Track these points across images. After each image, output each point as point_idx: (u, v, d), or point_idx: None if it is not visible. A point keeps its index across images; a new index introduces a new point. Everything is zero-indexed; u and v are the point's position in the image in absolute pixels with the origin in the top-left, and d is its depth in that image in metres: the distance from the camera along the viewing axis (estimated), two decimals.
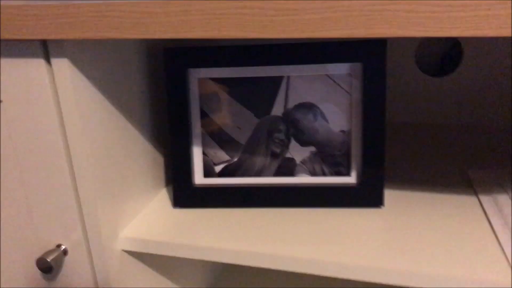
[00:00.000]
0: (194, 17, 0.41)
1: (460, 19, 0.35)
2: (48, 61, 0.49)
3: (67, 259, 0.58)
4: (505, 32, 0.34)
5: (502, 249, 0.51)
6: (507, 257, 0.49)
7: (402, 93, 0.87)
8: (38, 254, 0.58)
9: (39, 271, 0.58)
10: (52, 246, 0.57)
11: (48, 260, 0.55)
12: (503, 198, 0.59)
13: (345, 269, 0.51)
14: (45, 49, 0.48)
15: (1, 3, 0.45)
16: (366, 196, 0.61)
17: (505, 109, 0.83)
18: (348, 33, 0.38)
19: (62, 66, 0.48)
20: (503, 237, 0.52)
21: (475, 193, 0.62)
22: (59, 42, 0.47)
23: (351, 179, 0.62)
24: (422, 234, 0.54)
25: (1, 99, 0.52)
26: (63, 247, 0.57)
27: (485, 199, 0.60)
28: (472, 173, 0.66)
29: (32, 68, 0.49)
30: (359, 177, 0.61)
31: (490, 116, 0.84)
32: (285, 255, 0.53)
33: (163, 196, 0.67)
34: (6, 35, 0.46)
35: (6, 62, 0.49)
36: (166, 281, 0.71)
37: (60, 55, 0.47)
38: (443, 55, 0.82)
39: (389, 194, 0.64)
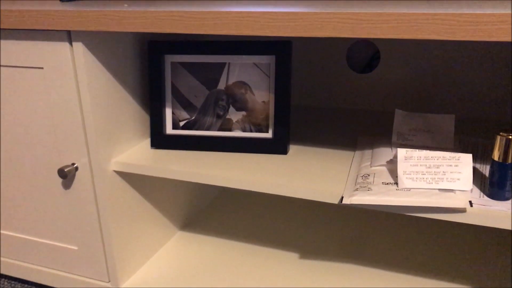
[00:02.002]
0: (149, 20, 0.71)
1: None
2: (70, 44, 0.81)
3: (78, 173, 0.90)
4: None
5: (347, 178, 0.78)
6: (346, 184, 0.77)
7: (330, 83, 1.14)
8: (59, 166, 0.90)
9: (58, 177, 0.91)
10: (69, 163, 0.89)
11: (65, 171, 0.87)
12: (367, 153, 0.86)
13: (255, 183, 0.80)
14: (69, 36, 0.80)
15: (45, 11, 0.77)
16: (277, 146, 0.89)
17: (399, 98, 1.09)
18: (232, 33, 0.67)
19: (79, 47, 0.80)
20: (351, 173, 0.80)
21: (354, 149, 0.90)
22: (77, 32, 0.79)
23: (268, 135, 0.90)
24: (303, 167, 0.83)
25: (43, 67, 0.84)
26: (75, 165, 0.89)
27: (358, 153, 0.87)
28: (359, 138, 0.94)
29: (62, 47, 0.81)
30: (273, 133, 0.90)
31: (389, 103, 1.10)
32: (221, 175, 0.82)
33: (146, 142, 0.98)
34: (47, 27, 0.78)
35: (48, 44, 0.82)
36: (144, 201, 1.02)
37: (77, 40, 0.79)
38: (368, 59, 1.09)
39: (293, 148, 0.92)
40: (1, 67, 0.87)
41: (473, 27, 0.54)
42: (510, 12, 0.53)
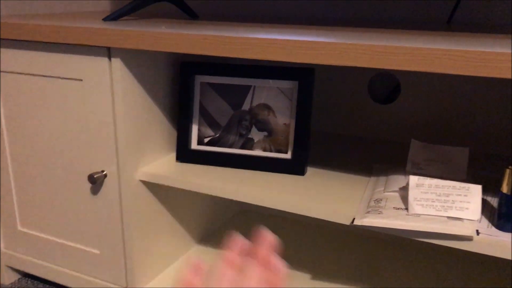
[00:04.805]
0: (183, 42, 0.77)
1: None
2: (109, 59, 0.87)
3: (106, 180, 0.95)
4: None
5: (360, 201, 0.81)
6: (359, 206, 0.80)
7: (351, 112, 1.18)
8: (89, 172, 0.96)
9: (88, 183, 0.97)
10: (99, 170, 0.95)
11: (95, 177, 0.93)
12: (382, 180, 0.89)
13: (271, 200, 0.84)
14: (109, 52, 0.87)
15: (88, 28, 0.84)
16: (295, 167, 0.93)
17: (417, 129, 1.12)
18: (259, 57, 0.73)
19: (117, 62, 0.86)
20: (365, 197, 0.83)
21: (370, 175, 0.93)
22: (116, 49, 0.85)
23: (287, 155, 0.95)
24: (319, 189, 0.86)
25: (82, 79, 0.91)
26: (104, 172, 0.95)
27: (372, 178, 0.91)
28: (375, 165, 0.97)
29: (102, 62, 0.88)
30: (292, 155, 0.94)
31: (407, 134, 1.14)
32: (240, 191, 0.86)
33: (171, 155, 1.04)
34: (90, 43, 0.85)
35: (89, 58, 0.89)
36: (166, 212, 1.07)
37: (116, 56, 0.86)
38: (389, 91, 1.13)
39: (311, 170, 0.96)
40: (45, 77, 0.95)
41: (479, 64, 0.58)
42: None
